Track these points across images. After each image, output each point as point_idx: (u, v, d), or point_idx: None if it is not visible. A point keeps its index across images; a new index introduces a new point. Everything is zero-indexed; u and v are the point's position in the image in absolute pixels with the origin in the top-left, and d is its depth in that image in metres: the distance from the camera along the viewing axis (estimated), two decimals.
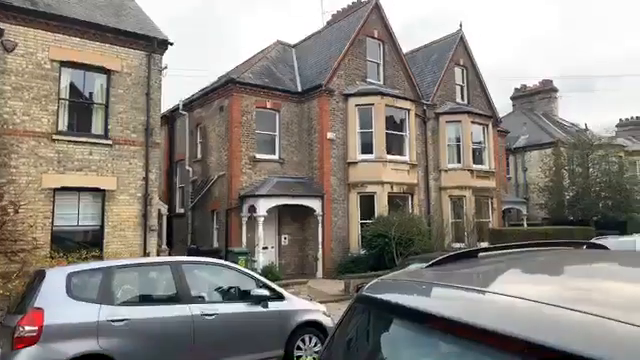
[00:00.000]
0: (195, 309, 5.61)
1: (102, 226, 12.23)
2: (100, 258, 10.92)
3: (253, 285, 6.30)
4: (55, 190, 11.60)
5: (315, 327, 6.59)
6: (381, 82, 19.12)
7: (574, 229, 21.52)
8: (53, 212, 11.56)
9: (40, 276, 5.25)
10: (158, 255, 13.51)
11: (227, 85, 17.08)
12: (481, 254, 2.57)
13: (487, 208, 21.39)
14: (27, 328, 4.70)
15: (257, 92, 17.28)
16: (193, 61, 59.15)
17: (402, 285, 2.17)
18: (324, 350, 2.26)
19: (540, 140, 30.59)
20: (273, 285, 6.58)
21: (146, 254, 12.57)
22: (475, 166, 20.84)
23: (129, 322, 5.15)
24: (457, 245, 18.64)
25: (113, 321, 5.07)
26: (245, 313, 6.00)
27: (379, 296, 2.07)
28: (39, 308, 4.85)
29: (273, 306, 6.24)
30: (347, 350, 2.21)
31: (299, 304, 6.73)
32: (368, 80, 18.75)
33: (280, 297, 6.45)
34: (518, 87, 38.21)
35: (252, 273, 6.56)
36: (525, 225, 25.03)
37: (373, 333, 2.05)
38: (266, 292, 6.22)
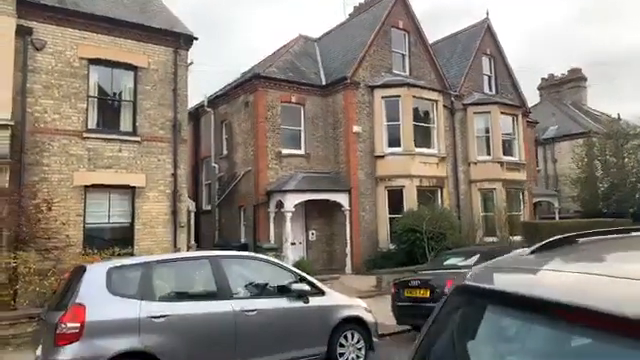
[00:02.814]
0: (236, 305, 5.43)
1: (132, 223, 12.22)
2: (132, 255, 10.91)
3: (293, 280, 6.10)
4: (86, 187, 11.64)
5: (357, 323, 6.37)
6: (407, 73, 18.72)
7: (611, 222, 20.73)
8: (85, 209, 11.60)
9: (80, 272, 5.14)
10: (188, 251, 13.49)
11: (252, 80, 16.94)
12: (582, 239, 2.31)
13: (518, 201, 20.79)
14: (69, 325, 4.59)
15: (282, 87, 17.10)
16: (212, 56, 59.48)
17: (513, 272, 1.91)
18: (416, 350, 2.00)
19: (570, 130, 29.70)
20: (313, 279, 6.37)
21: (176, 250, 12.54)
22: (505, 158, 20.26)
23: (170, 318, 5.00)
24: (489, 239, 18.17)
25: (154, 317, 4.93)
26: (286, 309, 5.81)
27: (487, 286, 1.81)
28: (81, 304, 4.73)
29: (314, 301, 6.03)
30: (450, 348, 1.96)
31: (340, 299, 6.51)
32: (394, 72, 18.38)
33: (321, 292, 6.24)
34: (545, 77, 37.26)
35: (291, 267, 6.38)
36: (557, 218, 24.30)
37: (484, 327, 1.80)
38: (307, 287, 6.02)
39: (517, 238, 18.71)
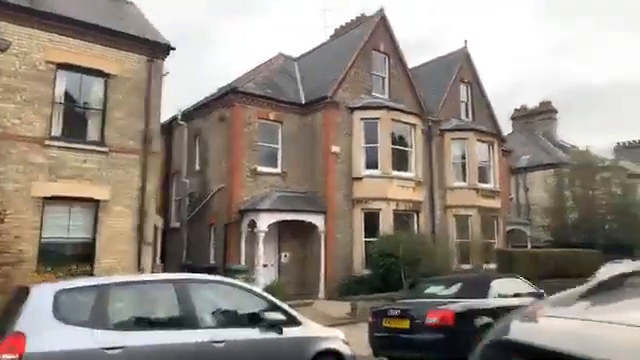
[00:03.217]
0: (203, 335, 4.86)
1: (94, 239, 11.42)
2: (91, 274, 10.13)
3: (265, 308, 5.56)
4: (45, 199, 10.83)
5: (334, 356, 5.86)
6: (386, 96, 18.64)
7: (580, 252, 20.92)
8: (42, 223, 10.76)
9: (23, 294, 4.49)
10: (152, 271, 12.71)
11: (229, 95, 16.49)
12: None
13: (492, 228, 20.76)
14: (4, 357, 3.94)
15: (260, 103, 16.71)
16: (190, 73, 58.80)
17: (573, 326, 1.49)
18: None
19: (542, 161, 30.28)
20: (287, 307, 5.85)
21: (140, 270, 11.77)
22: (481, 185, 20.30)
23: (126, 350, 4.39)
24: (463, 266, 17.95)
25: (108, 349, 4.31)
26: (258, 340, 5.26)
27: (540, 343, 1.37)
28: (20, 333, 4.09)
29: (288, 332, 5.50)
30: None
31: (316, 330, 6.00)
32: (373, 94, 18.26)
33: (295, 322, 5.72)
34: (518, 108, 38.17)
35: (264, 294, 5.83)
36: (529, 247, 24.40)
37: None
38: (281, 316, 5.49)
39: (491, 266, 18.60)
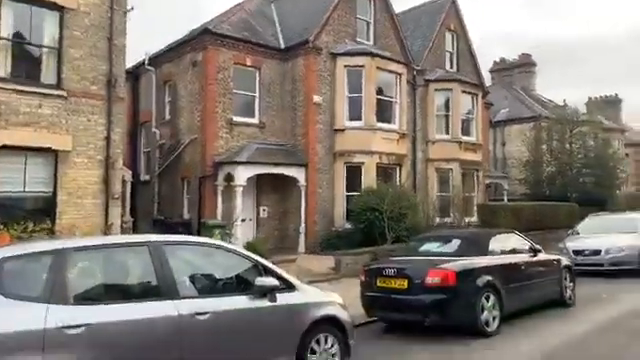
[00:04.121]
0: (183, 307, 4.11)
1: (55, 193, 10.33)
2: (52, 231, 9.17)
3: (255, 272, 4.84)
4: None
5: (332, 324, 5.25)
6: (371, 42, 17.54)
7: (559, 205, 21.03)
8: None
9: None
10: (122, 228, 11.80)
11: (202, 37, 15.08)
12: None
13: (473, 182, 20.47)
14: None
15: (235, 46, 15.38)
16: (160, 18, 55.26)
17: None
18: None
19: (521, 114, 30.03)
20: (280, 271, 5.15)
21: (108, 226, 10.86)
22: (463, 138, 19.79)
23: (90, 328, 3.61)
24: (445, 220, 17.68)
25: (67, 327, 3.52)
26: (248, 310, 4.56)
27: None
28: None
29: (282, 299, 4.81)
30: None
31: (314, 295, 5.34)
32: (358, 39, 17.13)
33: (290, 287, 5.03)
34: (497, 60, 37.52)
35: (254, 256, 5.08)
36: (506, 200, 24.45)
37: None
38: (274, 281, 4.78)
39: (472, 220, 18.44)
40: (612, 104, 39.07)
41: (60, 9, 10.57)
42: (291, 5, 18.86)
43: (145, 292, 4.19)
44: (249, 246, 11.99)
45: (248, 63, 15.65)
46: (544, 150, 26.49)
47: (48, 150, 10.25)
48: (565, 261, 9.39)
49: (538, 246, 8.71)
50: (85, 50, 10.85)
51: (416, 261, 7.49)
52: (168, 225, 15.06)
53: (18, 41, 10.34)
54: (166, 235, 4.89)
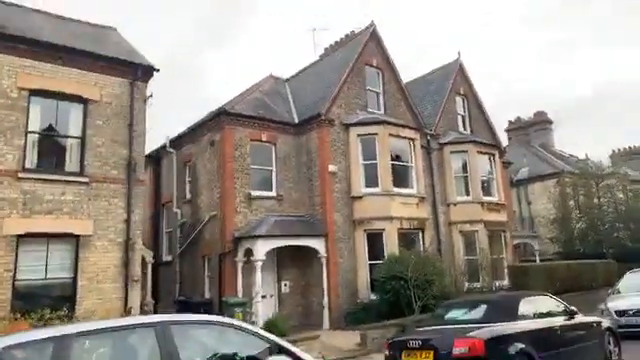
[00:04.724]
0: None
1: (75, 278, 10.39)
2: (69, 318, 9.08)
3: (267, 350, 4.59)
4: (19, 237, 9.84)
5: None
6: (382, 111, 17.96)
7: (597, 263, 20.01)
8: (16, 263, 9.75)
9: None
10: (142, 310, 11.65)
11: (218, 117, 15.71)
12: None
13: (500, 243, 19.82)
14: None
15: (251, 124, 15.94)
16: (178, 102, 58.40)
17: None
18: None
19: (542, 171, 29.63)
20: (294, 349, 4.87)
21: (127, 310, 10.71)
22: (485, 198, 19.47)
23: None
24: (474, 285, 16.94)
25: None
26: None
27: None
28: None
29: None
30: None
31: None
32: (369, 110, 17.58)
33: None
34: (512, 120, 37.77)
35: (265, 334, 4.85)
36: (538, 260, 23.46)
37: None
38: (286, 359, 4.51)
39: (504, 283, 17.62)
40: (638, 155, 38.29)
41: (84, 101, 11.27)
42: (304, 82, 19.71)
43: None
44: (269, 323, 11.62)
45: (264, 139, 16.11)
46: (572, 206, 25.79)
47: (70, 236, 10.46)
48: (607, 323, 8.74)
49: (574, 308, 8.16)
50: (107, 137, 11.38)
51: (442, 330, 7.06)
52: (189, 305, 14.79)
53: (44, 133, 10.92)
54: (174, 315, 4.75)
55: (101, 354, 4.01)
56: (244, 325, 5.10)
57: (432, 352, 6.49)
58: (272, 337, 4.88)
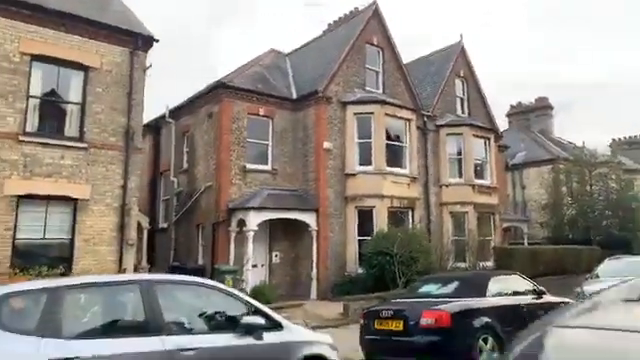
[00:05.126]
0: (170, 342, 4.33)
1: (72, 239, 10.86)
2: (65, 275, 9.56)
3: (244, 311, 5.04)
4: (19, 198, 10.26)
5: None
6: (380, 91, 18.16)
7: (582, 248, 20.51)
8: (16, 222, 10.19)
9: None
10: (136, 273, 12.15)
11: (217, 90, 15.95)
12: None
13: (489, 226, 20.29)
14: None
15: (249, 98, 16.17)
16: (181, 72, 58.09)
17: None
18: None
19: (538, 157, 29.87)
20: (268, 311, 5.32)
21: (122, 271, 11.22)
22: (477, 181, 19.84)
23: None
24: (460, 265, 17.46)
25: None
26: (233, 347, 4.73)
27: None
28: None
29: (269, 337, 4.97)
30: None
31: (301, 334, 5.47)
32: (367, 88, 17.77)
33: (277, 326, 5.19)
34: (514, 104, 37.78)
35: (242, 295, 5.31)
36: (526, 244, 23.99)
37: None
38: (260, 320, 4.96)
39: (488, 264, 18.14)
40: (637, 145, 38.38)
41: (85, 69, 11.51)
42: (304, 58, 19.82)
43: (134, 328, 4.43)
44: (256, 290, 12.15)
45: (261, 113, 16.38)
46: (564, 192, 26.16)
47: (68, 199, 10.87)
48: None
49: (542, 288, 8.61)
50: (106, 105, 11.67)
51: (413, 303, 7.52)
52: (184, 271, 15.30)
53: (45, 98, 11.22)
54: (159, 275, 5.18)
55: (89, 305, 4.44)
56: (225, 287, 5.55)
57: (402, 322, 6.96)
58: (250, 300, 5.34)
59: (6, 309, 3.90)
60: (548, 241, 24.16)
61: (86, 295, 4.43)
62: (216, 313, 5.05)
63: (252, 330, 4.87)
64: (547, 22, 76.86)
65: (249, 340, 4.83)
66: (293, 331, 5.38)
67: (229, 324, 4.97)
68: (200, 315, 4.99)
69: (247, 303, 5.21)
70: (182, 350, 4.36)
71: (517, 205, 29.91)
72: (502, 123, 35.84)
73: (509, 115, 37.15)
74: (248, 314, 5.01)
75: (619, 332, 1.05)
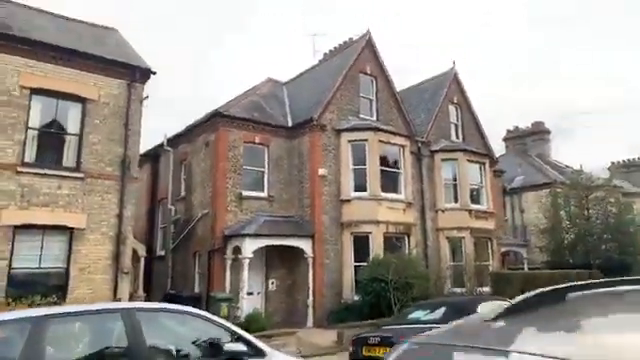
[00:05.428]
0: None
1: (67, 268, 10.97)
2: (59, 305, 9.62)
3: (227, 338, 5.12)
4: (16, 227, 10.42)
5: None
6: (374, 118, 18.48)
7: (581, 272, 20.38)
8: (12, 252, 10.33)
9: None
10: (131, 301, 12.18)
11: (214, 118, 16.28)
12: (572, 294, 1.65)
13: (486, 250, 20.28)
14: None
15: (245, 126, 16.49)
16: (181, 101, 59.02)
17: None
18: None
19: (536, 181, 30.02)
20: (252, 338, 5.40)
21: (117, 300, 11.26)
22: (473, 206, 19.94)
23: None
24: (457, 290, 17.41)
25: None
26: None
27: None
28: None
29: None
30: None
31: None
32: (361, 116, 18.10)
33: (260, 353, 5.25)
34: (510, 129, 38.17)
35: (225, 323, 5.39)
36: (526, 268, 23.89)
37: None
38: (243, 347, 5.04)
39: (486, 289, 18.05)
40: (637, 167, 38.47)
41: (82, 101, 11.85)
42: (301, 87, 20.25)
43: (116, 356, 4.52)
44: (249, 318, 12.16)
45: (257, 141, 16.66)
46: (562, 216, 26.16)
47: (64, 228, 11.03)
48: None
49: None
50: (103, 135, 11.96)
51: (401, 329, 7.55)
52: (179, 299, 15.30)
53: (44, 130, 11.51)
54: (142, 302, 5.28)
55: (70, 335, 4.54)
56: (208, 315, 5.64)
57: (389, 348, 6.98)
58: (234, 328, 5.42)
59: None
60: (547, 265, 24.04)
61: (69, 325, 4.53)
62: (199, 340, 5.14)
63: (235, 357, 4.95)
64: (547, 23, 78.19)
65: None
66: (276, 358, 5.44)
67: (212, 351, 5.05)
68: (184, 343, 5.08)
69: (229, 330, 5.29)
70: None
71: (516, 229, 29.90)
72: (499, 148, 36.24)
73: (506, 139, 37.53)
74: (231, 341, 5.09)
75: (452, 347, 1.22)
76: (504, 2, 78.63)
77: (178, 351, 4.98)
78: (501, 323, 1.43)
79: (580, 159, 64.91)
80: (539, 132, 36.13)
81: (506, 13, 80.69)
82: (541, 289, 1.62)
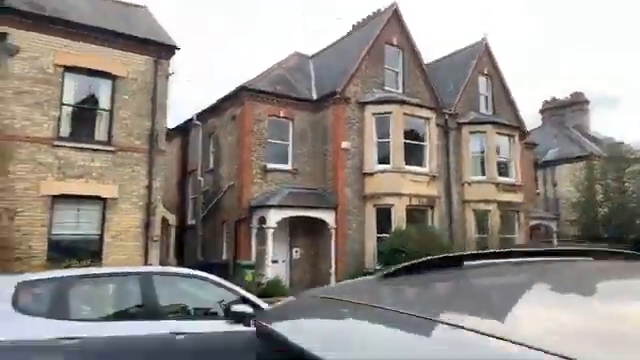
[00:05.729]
0: (163, 327, 4.90)
1: (102, 235, 11.76)
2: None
3: (234, 301, 5.55)
4: (54, 197, 11.22)
5: None
6: (400, 90, 18.35)
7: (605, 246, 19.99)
8: (51, 220, 11.17)
9: None
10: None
11: (239, 93, 16.63)
12: (468, 262, 1.82)
13: (513, 224, 20.12)
14: None
15: (270, 100, 16.77)
16: (212, 76, 59.62)
17: (314, 308, 1.44)
18: None
19: (572, 154, 29.09)
20: (257, 300, 5.82)
21: (147, 265, 12.03)
22: (501, 179, 19.68)
23: (84, 341, 4.48)
24: None
25: (65, 339, 4.41)
26: (222, 333, 5.26)
27: (270, 326, 1.34)
28: None
29: None
30: None
31: None
32: (386, 88, 18.01)
33: None
34: (548, 100, 36.81)
35: (235, 287, 5.83)
36: (555, 242, 23.53)
37: None
38: (248, 309, 5.46)
39: None
40: None
41: (113, 77, 12.40)
42: (327, 60, 20.24)
43: (132, 313, 5.03)
44: (270, 284, 12.73)
45: (282, 115, 16.93)
46: (597, 190, 25.42)
47: (97, 198, 11.78)
48: None
49: None
50: (132, 110, 12.53)
51: None
52: (208, 266, 16.09)
53: (77, 106, 12.17)
54: (156, 267, 5.78)
55: (93, 293, 5.08)
56: (217, 279, 6.09)
57: None
58: (241, 291, 5.85)
59: (23, 294, 4.57)
60: (577, 239, 23.60)
61: (92, 284, 5.07)
62: (210, 302, 5.60)
63: (241, 317, 5.38)
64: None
65: (238, 327, 5.34)
66: None
67: (221, 313, 5.50)
68: (193, 303, 5.56)
69: (238, 294, 5.73)
70: (176, 334, 4.92)
71: (548, 202, 29.27)
72: (535, 119, 35.15)
73: (542, 111, 36.25)
74: (237, 303, 5.52)
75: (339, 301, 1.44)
76: (504, 2, 74.45)
77: (188, 310, 5.47)
78: (390, 282, 1.65)
79: (631, 132, 61.68)
80: (578, 103, 34.65)
81: (506, 13, 76.43)
82: (444, 254, 1.82)
